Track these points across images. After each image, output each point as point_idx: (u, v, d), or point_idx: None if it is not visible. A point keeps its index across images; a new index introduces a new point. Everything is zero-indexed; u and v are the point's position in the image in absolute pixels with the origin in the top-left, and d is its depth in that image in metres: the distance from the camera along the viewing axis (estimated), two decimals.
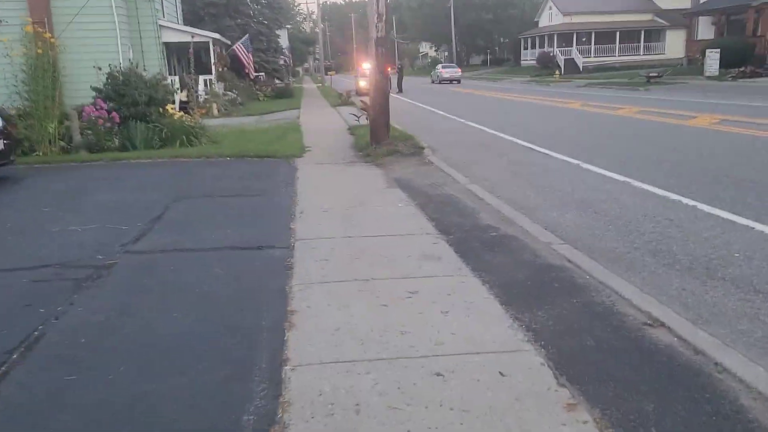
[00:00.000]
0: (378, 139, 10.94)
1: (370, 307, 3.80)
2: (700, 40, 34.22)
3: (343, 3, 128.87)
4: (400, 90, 34.55)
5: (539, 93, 28.58)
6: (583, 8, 53.57)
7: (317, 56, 70.97)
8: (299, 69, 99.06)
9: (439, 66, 51.95)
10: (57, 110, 13.04)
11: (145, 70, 24.79)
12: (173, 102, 23.95)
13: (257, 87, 33.51)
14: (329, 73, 50.39)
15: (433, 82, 49.29)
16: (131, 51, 24.16)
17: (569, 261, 4.66)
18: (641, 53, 51.92)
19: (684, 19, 50.94)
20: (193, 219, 6.30)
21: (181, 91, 25.53)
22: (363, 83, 33.13)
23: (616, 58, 51.35)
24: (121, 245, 5.27)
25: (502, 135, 12.85)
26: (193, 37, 22.78)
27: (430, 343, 3.28)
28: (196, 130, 12.40)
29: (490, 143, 11.94)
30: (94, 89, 12.56)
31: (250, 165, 9.97)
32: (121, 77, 12.54)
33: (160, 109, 12.73)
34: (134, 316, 3.77)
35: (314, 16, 73.39)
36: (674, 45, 51.63)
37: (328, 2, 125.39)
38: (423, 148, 10.96)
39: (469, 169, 9.12)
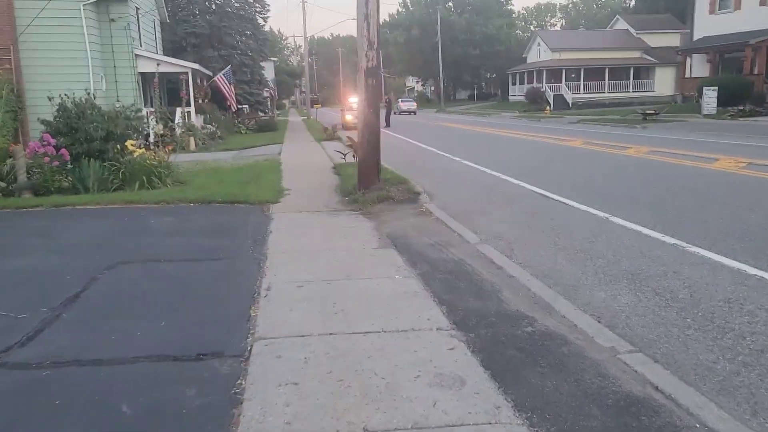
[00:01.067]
0: (367, 183, 9.48)
1: None
2: (694, 78, 33.61)
3: (330, 38, 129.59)
4: (388, 124, 33.39)
5: (532, 129, 27.50)
6: (571, 45, 53.43)
7: (303, 89, 70.17)
8: (285, 102, 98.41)
9: (399, 100, 57.90)
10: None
11: (118, 101, 23.40)
12: (146, 135, 22.48)
13: (239, 120, 32.17)
14: (315, 106, 49.27)
15: (394, 113, 48.86)
16: (104, 81, 22.75)
17: (656, 388, 3.14)
18: (630, 90, 51.59)
19: (674, 57, 50.92)
20: (121, 301, 4.71)
21: (158, 124, 24.08)
22: (349, 117, 31.95)
23: (605, 95, 50.92)
24: None
25: (505, 177, 11.46)
26: (158, 65, 21.35)
27: None
28: (160, 170, 10.86)
29: (493, 187, 10.52)
30: (43, 122, 11.02)
31: (216, 213, 8.42)
32: (74, 109, 11.02)
33: (119, 146, 11.18)
34: None
35: (302, 50, 72.88)
36: (664, 82, 51.50)
37: (316, 36, 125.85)
38: (419, 194, 9.50)
39: (476, 221, 7.66)
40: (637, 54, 52.99)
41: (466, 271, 5.43)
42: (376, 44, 9.29)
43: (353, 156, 14.11)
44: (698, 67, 34.38)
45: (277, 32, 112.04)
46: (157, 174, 10.76)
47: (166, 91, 29.77)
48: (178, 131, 22.58)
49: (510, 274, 5.26)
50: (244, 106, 35.01)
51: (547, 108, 42.23)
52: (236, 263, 5.73)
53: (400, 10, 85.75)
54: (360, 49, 9.37)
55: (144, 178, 10.51)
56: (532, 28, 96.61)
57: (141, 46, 24.41)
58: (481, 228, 7.25)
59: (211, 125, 25.06)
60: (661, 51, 52.23)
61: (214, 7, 31.63)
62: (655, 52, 52.32)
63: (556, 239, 6.59)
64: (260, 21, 33.89)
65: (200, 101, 26.30)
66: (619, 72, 52.07)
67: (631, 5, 73.30)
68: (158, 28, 28.56)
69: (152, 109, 23.44)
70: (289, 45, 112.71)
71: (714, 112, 27.94)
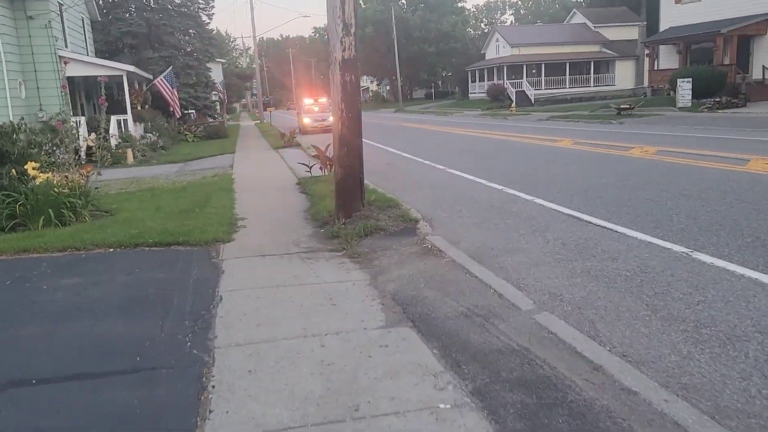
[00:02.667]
0: (348, 209, 7.25)
1: None
2: (663, 70, 32.56)
3: (280, 38, 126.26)
4: None
5: (504, 128, 25.72)
6: (530, 40, 52.27)
7: (255, 92, 67.14)
8: (236, 105, 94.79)
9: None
10: None
11: (41, 110, 20.43)
12: (76, 149, 19.57)
13: (185, 127, 29.33)
14: (268, 109, 46.59)
15: None
16: (23, 87, 19.77)
17: None
18: (591, 84, 50.80)
19: (633, 50, 50.40)
20: None
21: (89, 135, 21.18)
22: (307, 120, 29.57)
23: (567, 90, 49.95)
24: None
25: (511, 191, 9.40)
26: (66, 63, 18.61)
27: None
28: (74, 199, 8.34)
29: (502, 206, 8.44)
30: None
31: (144, 266, 6.03)
32: None
33: (16, 170, 8.63)
34: None
35: (251, 51, 69.70)
36: (623, 76, 50.92)
37: (265, 38, 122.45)
38: (416, 221, 7.33)
39: (507, 264, 5.54)
40: (596, 48, 52.26)
41: (548, 379, 3.27)
42: (353, 27, 7.07)
43: (321, 169, 11.86)
44: (666, 58, 33.38)
45: (224, 33, 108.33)
46: (70, 205, 8.24)
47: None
48: (113, 142, 19.78)
49: (628, 387, 3.13)
50: (190, 111, 32.17)
51: (512, 105, 40.75)
52: (160, 384, 3.40)
53: None
54: (332, 35, 7.13)
55: (51, 211, 7.98)
56: (482, 25, 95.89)
57: (66, 47, 21.45)
58: (522, 277, 5.13)
59: (152, 134, 22.27)
60: (620, 44, 51.66)
61: (152, 4, 28.70)
62: (614, 46, 51.70)
63: (645, 299, 4.50)
64: (205, 18, 31.11)
65: (139, 108, 23.46)
66: (579, 66, 51.20)
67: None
68: (88, 28, 25.52)
69: (82, 119, 20.54)
70: (237, 47, 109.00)
71: (689, 104, 26.78)
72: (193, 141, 27.66)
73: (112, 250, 6.61)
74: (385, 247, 6.36)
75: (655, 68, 33.73)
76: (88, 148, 20.56)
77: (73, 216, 8.17)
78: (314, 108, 30.97)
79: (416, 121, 37.74)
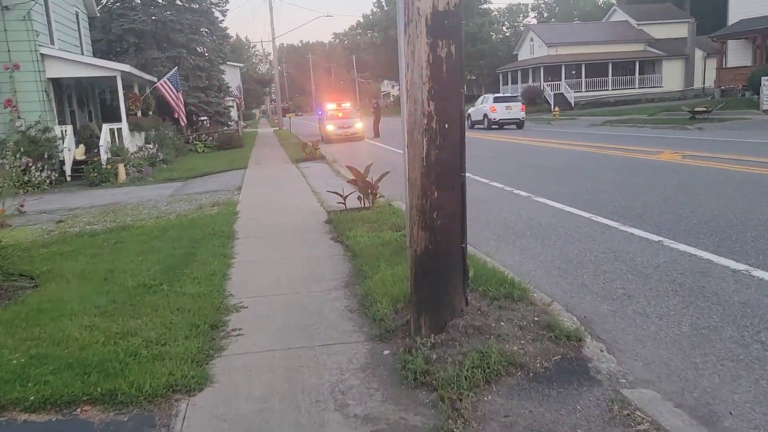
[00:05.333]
0: (440, 313, 3.68)
1: None
2: (734, 68, 28.57)
3: (299, 44, 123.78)
4: (377, 134, 27.66)
5: (561, 136, 21.98)
6: (567, 39, 48.39)
7: (274, 97, 64.14)
8: (255, 111, 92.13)
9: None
10: None
11: (19, 117, 17.25)
12: (60, 163, 16.40)
13: (195, 136, 26.12)
14: (287, 115, 43.39)
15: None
16: None
17: None
18: (636, 86, 46.66)
19: (681, 48, 46.24)
20: None
21: (77, 148, 17.95)
22: (331, 128, 26.14)
23: (609, 92, 45.95)
24: None
25: (693, 251, 5.74)
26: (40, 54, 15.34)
27: None
28: None
29: (706, 283, 4.80)
30: None
31: None
32: None
33: None
34: None
35: (270, 57, 66.40)
36: (671, 76, 46.75)
37: (285, 44, 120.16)
38: (578, 339, 3.65)
39: None
40: (640, 47, 48.16)
41: None
42: None
43: (360, 199, 8.35)
44: (737, 54, 29.36)
45: (244, 39, 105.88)
46: None
47: (99, 102, 23.58)
48: (104, 156, 16.49)
49: None
50: (202, 118, 29.00)
51: (556, 109, 36.93)
52: None
53: (375, 10, 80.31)
54: None
55: None
56: (504, 29, 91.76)
57: (53, 44, 18.26)
58: None
59: (152, 145, 18.98)
60: (666, 43, 47.53)
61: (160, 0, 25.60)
62: (659, 45, 47.56)
63: None
64: (218, 15, 27.93)
65: (138, 114, 20.21)
66: (622, 67, 47.11)
67: None
68: (84, 24, 22.36)
69: (68, 128, 17.30)
70: (257, 52, 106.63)
71: None
72: (203, 152, 24.42)
73: None
74: (540, 423, 2.78)
75: (724, 66, 29.69)
76: (77, 162, 17.37)
77: None
78: (338, 114, 27.56)
79: None
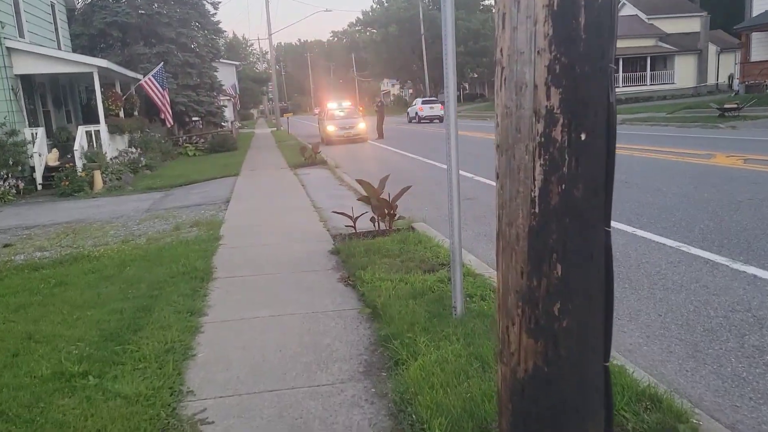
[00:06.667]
0: None
1: None
2: (761, 62, 26.81)
3: (298, 43, 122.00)
4: (381, 135, 25.88)
5: None
6: None
7: (271, 97, 62.33)
8: (254, 111, 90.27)
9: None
10: None
11: None
12: (30, 170, 14.63)
13: (186, 138, 24.36)
14: (285, 115, 41.57)
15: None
16: None
17: None
18: (648, 83, 44.87)
19: (694, 43, 44.48)
20: None
21: (50, 153, 16.16)
22: (332, 129, 24.36)
23: (620, 89, 43.93)
24: None
25: None
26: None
27: None
28: None
29: None
30: None
31: None
32: None
33: None
34: None
35: (268, 56, 64.49)
36: (684, 72, 44.96)
37: (283, 43, 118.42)
38: None
39: None
40: (651, 42, 46.36)
41: None
42: None
43: (374, 220, 6.60)
44: (762, 48, 27.59)
45: (241, 38, 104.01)
46: None
47: (79, 102, 21.75)
48: (79, 163, 14.71)
49: None
50: (195, 119, 27.21)
51: None
52: None
53: (375, 6, 78.52)
54: None
55: None
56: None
57: (23, 37, 16.49)
58: None
59: (134, 149, 17.18)
60: (678, 38, 45.73)
61: None
62: (671, 39, 45.77)
63: None
64: (209, 8, 26.11)
65: (121, 115, 18.41)
66: (633, 63, 45.33)
67: None
68: (62, 16, 20.53)
69: (39, 130, 15.50)
70: (255, 51, 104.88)
71: None
72: (194, 155, 22.63)
73: None
74: None
75: (749, 60, 27.93)
76: (49, 169, 15.58)
77: None
78: (339, 113, 25.79)
79: (460, 127, 32.20)
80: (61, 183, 13.83)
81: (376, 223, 6.78)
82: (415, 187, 10.30)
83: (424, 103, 40.76)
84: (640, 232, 6.23)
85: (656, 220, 6.69)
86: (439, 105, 38.23)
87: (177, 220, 8.89)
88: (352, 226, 6.71)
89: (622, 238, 6.02)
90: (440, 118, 37.61)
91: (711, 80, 44.82)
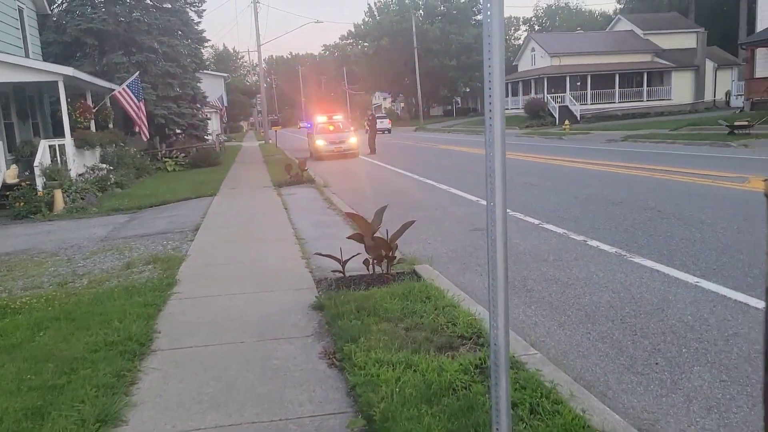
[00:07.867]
0: None
1: None
2: (766, 78, 25.85)
3: (289, 56, 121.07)
4: (373, 151, 24.58)
5: (589, 154, 19.04)
6: (571, 49, 45.76)
7: (260, 109, 60.99)
8: (243, 123, 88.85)
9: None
10: None
11: None
12: None
13: (166, 152, 22.94)
14: (274, 128, 40.22)
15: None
16: None
17: None
18: (645, 99, 44.03)
19: (691, 59, 43.73)
20: None
21: (9, 168, 14.66)
22: (321, 143, 23.04)
23: (616, 105, 43.32)
24: None
25: None
26: None
27: None
28: None
29: None
30: None
31: None
32: None
33: None
34: None
35: (258, 69, 63.07)
36: (681, 88, 44.11)
37: (274, 56, 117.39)
38: None
39: None
40: (647, 57, 45.61)
41: None
42: None
43: (367, 263, 5.22)
44: (767, 64, 26.68)
45: (231, 50, 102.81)
46: None
47: (49, 115, 20.26)
48: (39, 180, 13.23)
49: None
50: (178, 132, 25.75)
51: (567, 122, 34.01)
52: None
53: (366, 19, 77.71)
54: None
55: None
56: None
57: None
58: None
59: (104, 164, 15.73)
60: (674, 53, 45.00)
61: None
62: (667, 55, 45.05)
63: None
64: (194, 16, 24.79)
65: (91, 128, 16.96)
66: (629, 78, 44.53)
67: (622, 6, 66.35)
68: (31, 22, 19.09)
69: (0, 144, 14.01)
70: (245, 63, 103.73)
71: None
72: (173, 170, 21.19)
73: None
74: None
75: (755, 76, 26.98)
76: (7, 186, 14.08)
77: None
78: (329, 127, 24.50)
79: (451, 142, 31.07)
80: (15, 204, 12.35)
81: (370, 266, 5.40)
82: (415, 212, 8.96)
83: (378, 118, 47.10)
84: (706, 284, 4.89)
85: (719, 267, 5.36)
86: (387, 120, 53.42)
87: (133, 254, 7.45)
88: (340, 272, 5.33)
89: (686, 296, 4.66)
90: (389, 131, 49.83)
91: (708, 97, 44.08)
